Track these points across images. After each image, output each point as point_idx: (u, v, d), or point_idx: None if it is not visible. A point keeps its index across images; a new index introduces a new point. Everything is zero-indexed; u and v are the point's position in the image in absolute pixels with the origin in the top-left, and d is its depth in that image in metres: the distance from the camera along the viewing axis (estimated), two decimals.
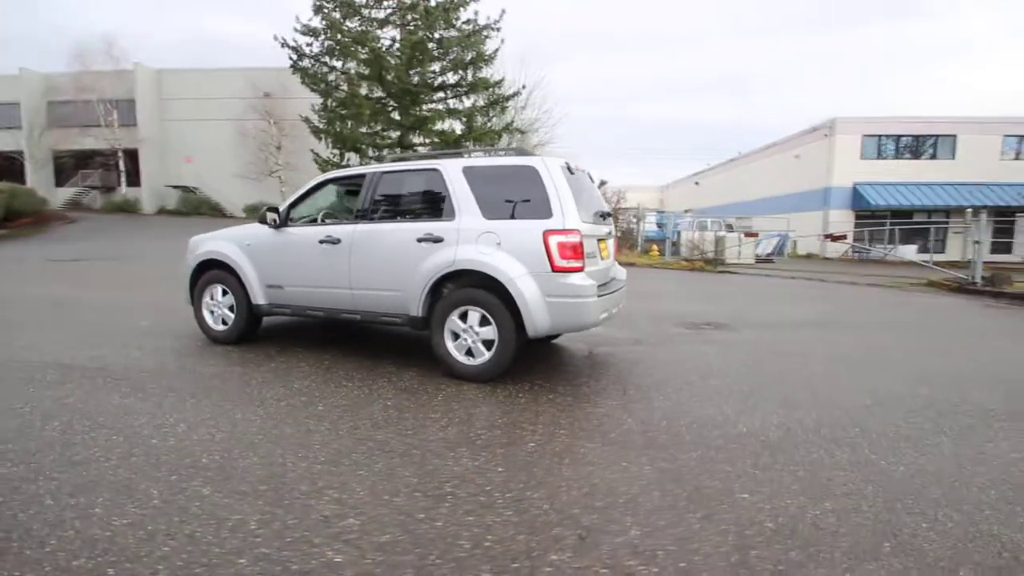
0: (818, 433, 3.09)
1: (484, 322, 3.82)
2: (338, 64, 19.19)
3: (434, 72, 19.53)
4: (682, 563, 1.87)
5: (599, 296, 3.78)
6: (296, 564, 1.80)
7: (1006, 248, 23.91)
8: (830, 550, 1.96)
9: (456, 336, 3.92)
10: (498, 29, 19.67)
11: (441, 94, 20.10)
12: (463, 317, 3.88)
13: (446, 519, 2.10)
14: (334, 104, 19.22)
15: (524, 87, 20.43)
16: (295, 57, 19.08)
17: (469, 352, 3.90)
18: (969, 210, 18.75)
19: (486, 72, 20.28)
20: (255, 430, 2.93)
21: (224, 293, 4.82)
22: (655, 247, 19.17)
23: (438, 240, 3.90)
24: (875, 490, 2.43)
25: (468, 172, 3.98)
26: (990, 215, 19.81)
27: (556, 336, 5.03)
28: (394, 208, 4.31)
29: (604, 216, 4.38)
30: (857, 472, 2.60)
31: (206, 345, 4.82)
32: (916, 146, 25.46)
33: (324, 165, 19.30)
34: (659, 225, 23.63)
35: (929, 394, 3.89)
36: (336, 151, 19.65)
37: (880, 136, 25.13)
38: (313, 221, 4.88)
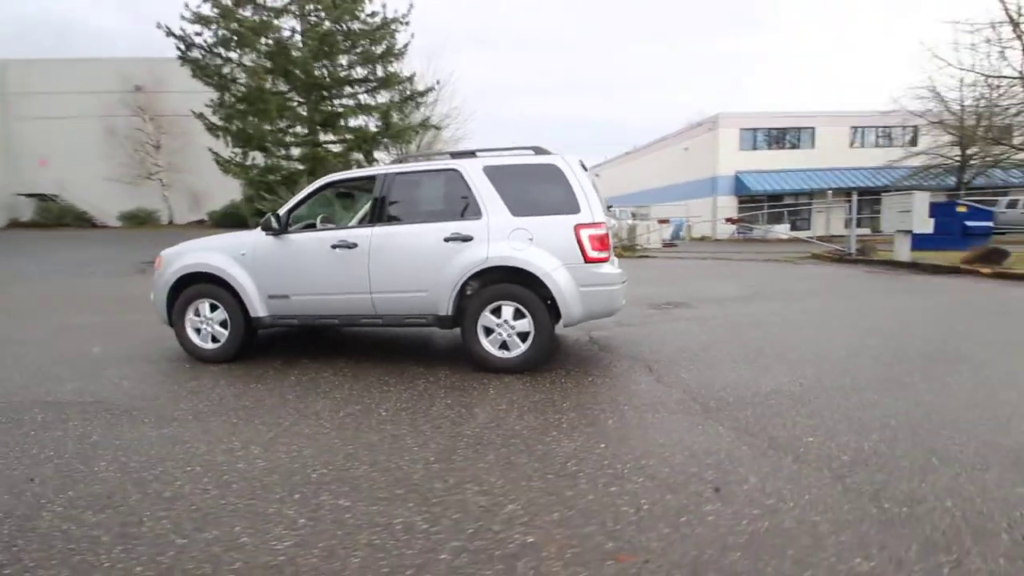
0: (825, 384, 3.66)
1: (518, 315, 3.97)
2: (234, 55, 17.66)
3: (342, 66, 18.71)
4: (806, 496, 2.23)
5: (622, 283, 4.10)
6: (498, 550, 1.89)
7: (861, 223, 28.15)
8: (899, 470, 2.43)
9: (488, 331, 4.03)
10: (407, 23, 19.29)
11: (351, 89, 19.31)
12: (495, 312, 4.00)
13: (594, 492, 2.28)
14: (233, 99, 17.71)
15: (439, 83, 20.23)
16: (183, 48, 17.25)
17: (503, 346, 4.03)
18: (829, 192, 21.77)
19: (396, 67, 19.82)
20: (339, 442, 2.86)
21: (213, 308, 4.46)
22: None
23: (467, 239, 3.97)
24: (898, 422, 2.99)
25: (489, 171, 4.08)
26: (844, 195, 23.20)
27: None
28: (412, 209, 4.28)
29: (608, 209, 4.70)
30: (876, 410, 3.16)
31: (196, 365, 4.42)
32: (784, 137, 29.10)
33: (226, 165, 17.75)
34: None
35: (880, 344, 4.70)
36: (238, 150, 18.13)
37: (755, 129, 28.38)
38: (310, 226, 4.67)
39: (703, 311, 6.61)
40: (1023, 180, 21.43)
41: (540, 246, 3.89)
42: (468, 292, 4.07)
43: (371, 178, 4.36)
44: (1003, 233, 16.97)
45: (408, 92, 19.79)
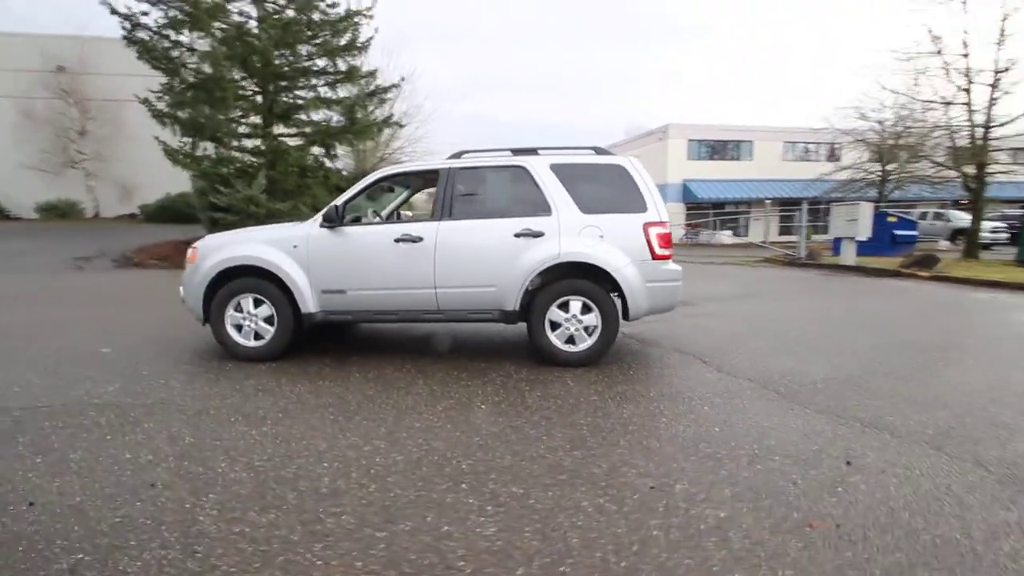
0: (870, 371, 4.03)
1: (584, 310, 4.08)
2: (185, 38, 16.47)
3: (304, 56, 17.96)
4: (923, 464, 2.50)
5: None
6: (701, 524, 1.99)
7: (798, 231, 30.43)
8: (981, 440, 2.77)
9: (555, 326, 4.10)
10: (371, 16, 18.83)
11: (312, 81, 18.57)
12: (562, 307, 4.08)
13: (746, 470, 2.43)
14: (183, 85, 16.53)
15: (403, 79, 19.85)
16: (129, 27, 15.86)
17: (569, 340, 4.11)
18: (767, 201, 23.35)
19: (359, 61, 19.27)
20: (461, 434, 2.84)
21: (257, 304, 4.23)
22: None
23: (538, 234, 4.03)
24: (953, 401, 3.36)
25: (556, 169, 4.16)
26: (777, 205, 25.02)
27: None
28: (478, 204, 4.27)
29: None
30: (928, 392, 3.54)
31: (238, 364, 4.17)
32: (726, 149, 30.97)
33: (175, 155, 16.51)
34: None
35: (888, 337, 5.21)
36: (187, 139, 16.95)
37: (701, 141, 30.03)
38: (355, 220, 4.55)
39: (710, 308, 6.98)
40: (932, 194, 23.99)
41: (610, 243, 4.01)
42: (530, 288, 4.12)
43: (434, 172, 4.31)
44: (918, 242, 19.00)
45: (372, 87, 19.29)
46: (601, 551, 1.83)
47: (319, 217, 4.22)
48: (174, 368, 4.09)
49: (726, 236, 28.09)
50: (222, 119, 16.75)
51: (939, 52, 13.96)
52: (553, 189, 4.11)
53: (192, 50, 16.78)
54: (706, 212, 28.82)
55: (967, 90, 13.79)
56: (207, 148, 17.36)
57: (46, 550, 1.82)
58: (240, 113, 17.81)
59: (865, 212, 12.97)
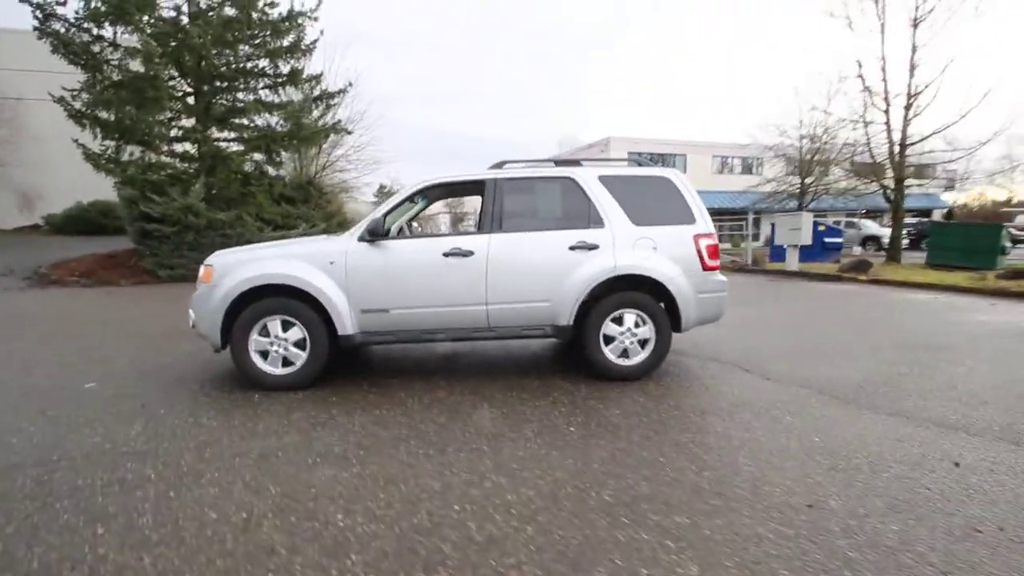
0: (893, 372, 4.27)
1: (638, 323, 4.03)
2: (107, 33, 14.90)
3: (243, 57, 16.86)
4: (1014, 456, 2.65)
5: None
6: (887, 540, 1.98)
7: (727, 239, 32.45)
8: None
9: (608, 340, 4.03)
10: (315, 18, 18.06)
11: (252, 83, 17.45)
12: (615, 321, 4.02)
13: (878, 480, 2.46)
14: (105, 84, 14.94)
15: (351, 84, 19.13)
16: (41, 18, 14.09)
17: (623, 353, 4.05)
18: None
19: (302, 64, 18.39)
20: (576, 461, 2.68)
21: (285, 327, 3.82)
22: None
23: (593, 247, 3.94)
24: (983, 398, 3.63)
25: (605, 181, 4.10)
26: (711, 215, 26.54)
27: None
28: (528, 216, 4.11)
29: None
30: (954, 389, 3.79)
31: (267, 395, 3.74)
32: (662, 161, 32.48)
33: (96, 160, 14.85)
34: None
35: (885, 337, 5.58)
36: (110, 143, 15.34)
37: (640, 153, 31.29)
38: (398, 231, 4.26)
39: None
40: (844, 205, 26.47)
41: (662, 255, 4.01)
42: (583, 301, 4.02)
43: (479, 183, 4.10)
44: None
45: (318, 92, 18.45)
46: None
47: (358, 231, 3.89)
48: (193, 403, 3.59)
49: None
50: (152, 121, 15.33)
51: (860, 76, 15.45)
52: (604, 201, 4.04)
53: (116, 45, 15.26)
54: None
55: (886, 111, 15.33)
56: (134, 152, 15.80)
57: None
58: (172, 115, 16.41)
59: (807, 221, 14.04)
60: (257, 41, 17.34)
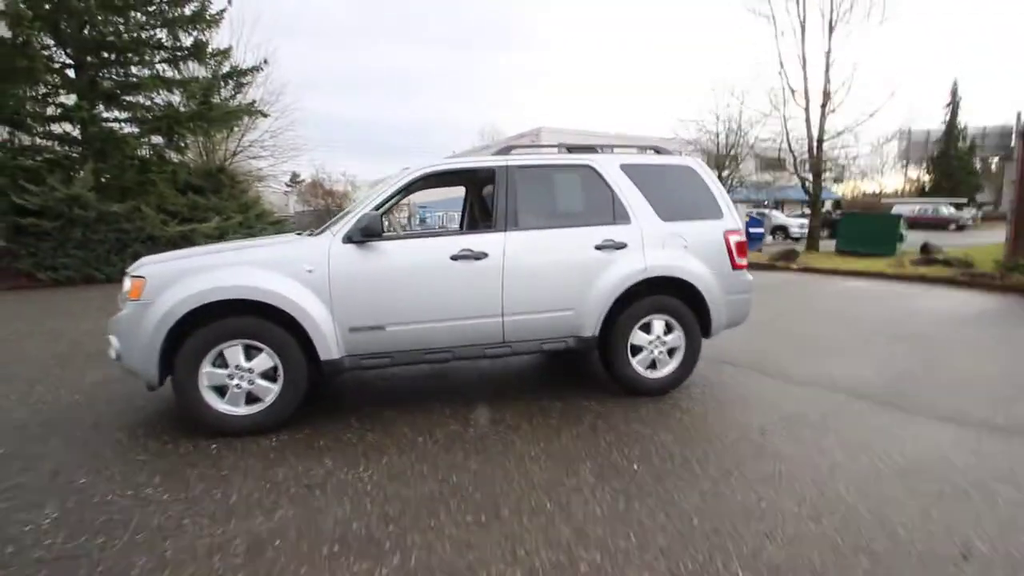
0: (903, 369, 4.19)
1: (667, 330, 3.61)
2: None
3: (137, 25, 14.61)
4: None
5: None
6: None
7: None
8: None
9: (636, 350, 3.57)
10: None
11: (148, 56, 15.19)
12: (643, 328, 3.57)
13: (998, 508, 2.18)
14: None
15: (266, 62, 17.24)
16: None
17: (651, 365, 3.62)
18: None
19: (207, 36, 16.33)
20: (669, 490, 2.17)
21: (249, 354, 2.98)
22: None
23: (620, 246, 3.44)
24: (1008, 393, 3.59)
25: (628, 170, 3.61)
26: None
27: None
28: (546, 211, 3.50)
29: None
30: (975, 385, 3.75)
31: (232, 443, 2.89)
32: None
33: None
34: (422, 220, 23.78)
35: (867, 329, 5.61)
36: None
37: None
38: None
39: None
40: (755, 197, 28.27)
41: (693, 253, 3.60)
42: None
43: (487, 170, 3.45)
44: None
45: (228, 68, 16.49)
46: None
47: (342, 229, 3.11)
48: (125, 463, 2.68)
49: None
50: (24, 96, 12.83)
51: (781, 73, 16.25)
52: (628, 193, 3.56)
53: None
54: None
55: (806, 108, 16.24)
56: (1, 133, 13.16)
57: None
58: (48, 90, 13.88)
59: (741, 212, 14.56)
60: (153, 8, 15.12)
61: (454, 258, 3.19)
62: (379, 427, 3.14)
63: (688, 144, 27.87)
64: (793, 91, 16.29)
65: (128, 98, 14.99)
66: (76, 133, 14.25)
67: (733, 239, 3.71)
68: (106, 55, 14.25)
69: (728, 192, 26.94)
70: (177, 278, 2.91)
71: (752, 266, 14.49)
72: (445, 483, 2.46)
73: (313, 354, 3.05)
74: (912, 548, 1.93)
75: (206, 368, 2.93)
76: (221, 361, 2.96)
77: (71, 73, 14.24)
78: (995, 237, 19.73)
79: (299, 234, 3.57)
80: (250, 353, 2.99)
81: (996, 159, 43.42)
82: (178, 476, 2.54)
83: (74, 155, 13.52)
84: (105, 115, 14.86)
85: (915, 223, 25.87)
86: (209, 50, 16.26)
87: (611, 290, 3.41)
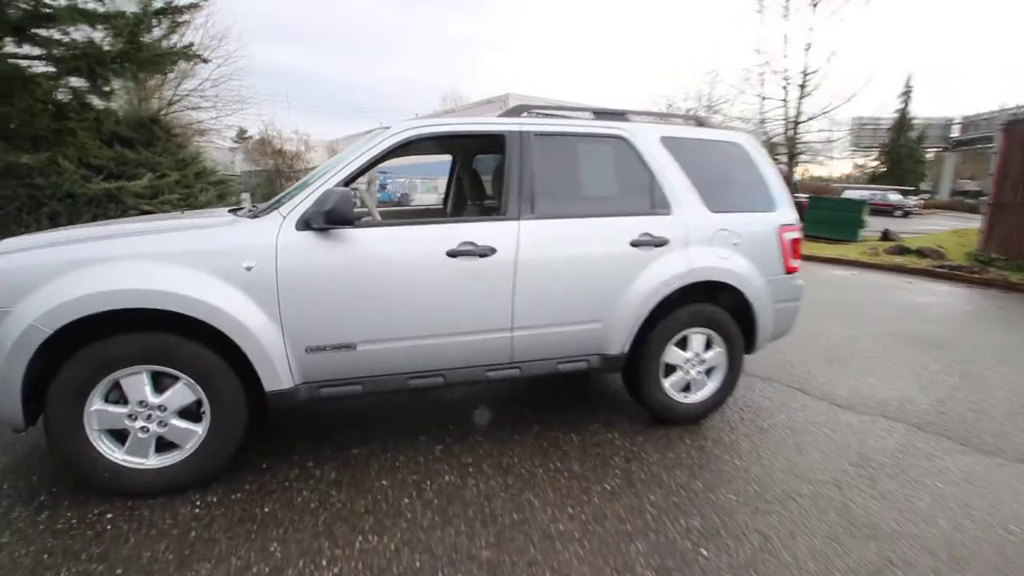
0: (951, 388, 3.73)
1: (706, 345, 2.95)
2: None
3: None
4: None
5: None
6: None
7: None
8: None
9: (669, 369, 2.90)
10: None
11: None
12: (679, 344, 2.89)
13: None
14: None
15: None
16: None
17: (685, 387, 2.96)
18: None
19: None
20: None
21: (158, 384, 2.10)
22: None
23: (660, 242, 2.71)
24: None
25: (670, 145, 2.85)
26: None
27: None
28: (571, 194, 2.70)
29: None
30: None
31: (132, 511, 2.04)
32: None
33: None
34: (382, 187, 22.30)
35: (873, 329, 5.19)
36: None
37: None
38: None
39: None
40: None
41: (743, 253, 2.91)
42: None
43: (496, 136, 2.59)
44: None
45: (161, 3, 14.45)
46: None
47: (295, 210, 2.22)
48: (16, 537, 1.79)
49: None
50: None
51: (759, 51, 15.80)
52: (670, 174, 2.81)
53: None
54: None
55: (784, 87, 15.89)
56: None
57: None
58: None
59: None
60: None
61: (452, 254, 2.37)
62: (347, 477, 2.35)
63: None
64: (774, 71, 15.87)
65: (40, 31, 12.86)
66: None
67: (788, 236, 3.05)
68: None
69: None
70: (47, 275, 1.97)
71: None
72: (538, 530, 1.78)
73: (254, 382, 2.20)
74: None
75: (95, 405, 2.04)
76: (118, 395, 2.08)
77: None
78: (940, 224, 20.39)
79: (235, 212, 2.64)
80: (161, 383, 2.11)
81: (935, 151, 45.25)
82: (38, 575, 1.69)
83: None
84: (12, 51, 12.74)
85: None
86: None
87: (648, 297, 2.69)
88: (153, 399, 2.09)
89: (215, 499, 2.15)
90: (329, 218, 2.15)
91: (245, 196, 18.11)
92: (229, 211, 2.67)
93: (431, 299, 2.38)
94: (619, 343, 2.72)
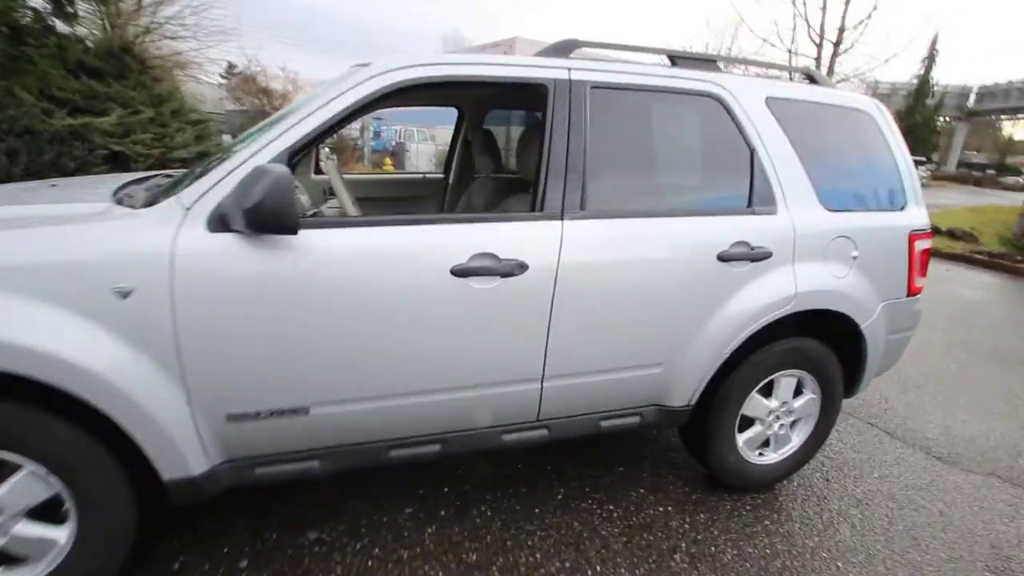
0: None
1: (796, 392, 2.18)
2: None
3: None
4: None
5: None
6: None
7: None
8: None
9: (745, 422, 2.13)
10: None
11: None
12: (762, 391, 2.11)
13: None
14: None
15: None
16: None
17: (764, 443, 2.21)
18: None
19: None
20: None
21: None
22: (388, 160, 16.99)
23: (761, 256, 1.87)
24: None
25: (777, 110, 1.97)
26: None
27: None
28: (636, 181, 1.84)
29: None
30: None
31: None
32: None
33: None
34: (376, 134, 20.89)
35: (936, 339, 4.46)
36: None
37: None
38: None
39: None
40: None
41: (862, 269, 2.09)
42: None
43: (535, 85, 1.68)
44: None
45: None
46: None
47: (215, 199, 1.36)
48: None
49: None
50: None
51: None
52: (779, 154, 1.94)
53: None
54: None
55: (819, 45, 14.57)
56: None
57: None
58: None
59: None
60: None
61: (460, 272, 1.53)
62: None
63: None
64: (809, 24, 14.49)
65: None
66: None
67: (920, 246, 2.22)
68: None
69: None
70: None
71: None
72: None
73: (143, 468, 1.41)
74: None
75: None
76: None
77: None
78: (953, 198, 19.28)
79: (116, 195, 1.70)
80: None
81: (949, 120, 43.21)
82: None
83: None
84: None
85: None
86: None
87: (734, 333, 1.88)
88: None
89: None
90: (254, 219, 1.28)
91: (227, 138, 16.74)
92: (117, 189, 1.76)
93: (426, 341, 1.55)
94: (686, 393, 1.94)
